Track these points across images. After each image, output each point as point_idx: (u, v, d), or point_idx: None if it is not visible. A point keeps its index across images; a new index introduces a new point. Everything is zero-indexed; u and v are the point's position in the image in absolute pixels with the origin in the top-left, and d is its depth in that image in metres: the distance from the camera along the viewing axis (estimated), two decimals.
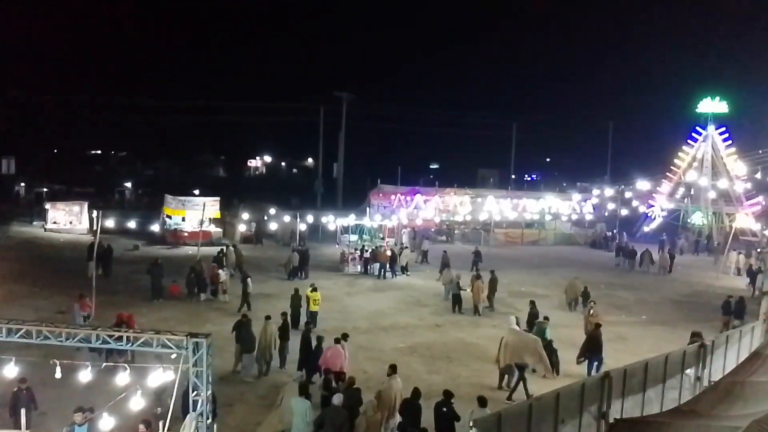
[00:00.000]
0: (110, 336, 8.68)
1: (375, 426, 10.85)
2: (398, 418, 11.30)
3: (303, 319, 18.94)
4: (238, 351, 15.21)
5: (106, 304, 19.16)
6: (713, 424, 7.72)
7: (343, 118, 50.16)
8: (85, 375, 9.43)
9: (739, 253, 34.18)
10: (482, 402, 10.86)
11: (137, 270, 25.51)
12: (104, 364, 10.29)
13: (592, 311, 18.18)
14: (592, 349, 15.14)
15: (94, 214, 34.10)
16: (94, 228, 27.20)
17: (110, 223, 25.53)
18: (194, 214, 34.48)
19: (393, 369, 12.17)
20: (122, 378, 9.27)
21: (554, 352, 15.26)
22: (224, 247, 28.10)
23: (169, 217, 35.72)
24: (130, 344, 8.67)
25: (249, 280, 21.37)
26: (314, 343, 14.64)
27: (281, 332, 15.63)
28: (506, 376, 14.46)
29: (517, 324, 15.55)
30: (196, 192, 45.20)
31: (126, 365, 9.53)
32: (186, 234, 34.48)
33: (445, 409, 10.87)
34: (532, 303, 18.84)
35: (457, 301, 22.21)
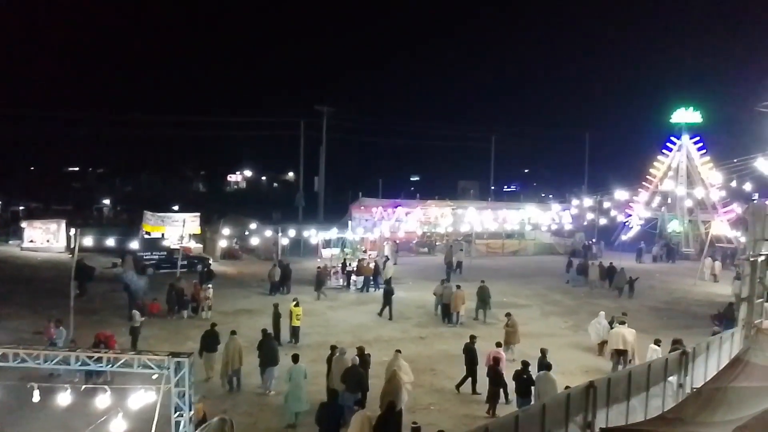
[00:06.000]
0: (90, 357, 8.51)
1: (400, 385, 12.73)
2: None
3: (285, 333, 18.84)
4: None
5: (85, 324, 18.82)
6: (698, 430, 7.77)
7: (323, 132, 50.14)
8: (64, 398, 9.23)
9: (715, 259, 34.78)
10: (547, 366, 13.02)
11: (115, 288, 25.13)
12: (83, 386, 10.10)
13: (509, 322, 18.31)
14: (728, 316, 19.08)
15: (72, 232, 33.67)
16: (72, 246, 26.76)
17: (88, 240, 25.05)
18: (174, 230, 34.16)
19: (398, 352, 14.02)
20: (102, 400, 9.09)
21: None
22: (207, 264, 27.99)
23: (149, 233, 35.33)
24: (110, 365, 8.50)
25: (135, 314, 18.24)
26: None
27: (260, 350, 15.11)
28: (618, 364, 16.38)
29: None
30: (176, 208, 44.80)
31: (106, 387, 9.35)
32: None
33: (525, 376, 13.15)
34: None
35: (445, 311, 22.30)
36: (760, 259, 13.50)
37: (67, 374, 12.96)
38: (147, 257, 31.01)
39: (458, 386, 15.21)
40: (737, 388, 8.70)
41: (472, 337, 15.85)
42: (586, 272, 30.66)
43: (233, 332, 15.47)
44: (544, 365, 13.17)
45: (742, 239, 39.72)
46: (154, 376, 8.51)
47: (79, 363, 8.50)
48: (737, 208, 41.08)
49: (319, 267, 27.63)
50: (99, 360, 8.50)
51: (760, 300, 13.73)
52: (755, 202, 24.35)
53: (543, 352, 14.05)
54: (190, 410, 8.60)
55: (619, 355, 16.46)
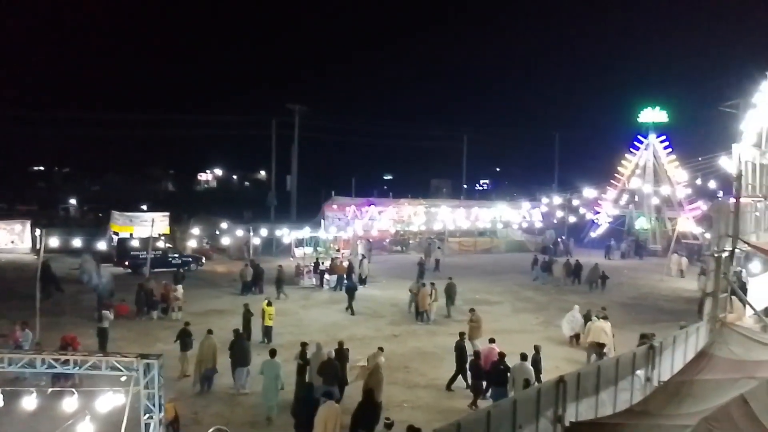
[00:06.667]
0: (56, 360, 8.33)
1: (382, 378, 13.05)
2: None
3: (257, 333, 18.69)
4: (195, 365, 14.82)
5: (51, 326, 18.40)
6: (665, 423, 7.93)
7: (295, 130, 49.81)
8: (30, 401, 9.01)
9: (681, 255, 35.56)
10: (523, 357, 13.55)
11: (83, 290, 24.62)
12: (50, 389, 9.88)
13: (473, 317, 18.49)
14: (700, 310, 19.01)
15: (38, 232, 32.92)
16: (38, 247, 26.18)
17: (54, 241, 24.46)
18: (142, 230, 33.65)
19: (380, 350, 14.28)
20: (70, 403, 8.90)
21: None
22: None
23: (117, 233, 34.74)
24: (78, 368, 8.33)
25: (105, 314, 17.92)
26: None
27: (232, 350, 14.96)
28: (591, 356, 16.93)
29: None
30: (145, 207, 44.12)
31: (73, 390, 9.16)
32: None
33: (501, 367, 13.56)
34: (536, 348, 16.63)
35: (418, 309, 22.42)
36: (725, 254, 13.84)
37: (33, 377, 12.62)
38: (142, 256, 30.48)
39: (449, 385, 15.18)
40: (702, 380, 8.91)
41: (462, 334, 16.02)
42: (550, 269, 31.24)
43: (209, 331, 15.37)
44: (532, 359, 13.79)
45: (707, 236, 40.74)
46: (123, 378, 8.37)
47: (46, 366, 8.32)
48: (702, 206, 42.05)
49: (280, 266, 27.25)
50: (66, 362, 8.32)
51: (725, 295, 14.07)
52: (720, 199, 24.93)
53: (537, 348, 14.74)
54: (160, 412, 8.48)
55: (599, 347, 16.99)
